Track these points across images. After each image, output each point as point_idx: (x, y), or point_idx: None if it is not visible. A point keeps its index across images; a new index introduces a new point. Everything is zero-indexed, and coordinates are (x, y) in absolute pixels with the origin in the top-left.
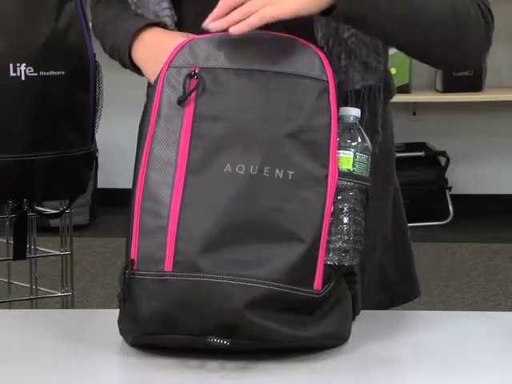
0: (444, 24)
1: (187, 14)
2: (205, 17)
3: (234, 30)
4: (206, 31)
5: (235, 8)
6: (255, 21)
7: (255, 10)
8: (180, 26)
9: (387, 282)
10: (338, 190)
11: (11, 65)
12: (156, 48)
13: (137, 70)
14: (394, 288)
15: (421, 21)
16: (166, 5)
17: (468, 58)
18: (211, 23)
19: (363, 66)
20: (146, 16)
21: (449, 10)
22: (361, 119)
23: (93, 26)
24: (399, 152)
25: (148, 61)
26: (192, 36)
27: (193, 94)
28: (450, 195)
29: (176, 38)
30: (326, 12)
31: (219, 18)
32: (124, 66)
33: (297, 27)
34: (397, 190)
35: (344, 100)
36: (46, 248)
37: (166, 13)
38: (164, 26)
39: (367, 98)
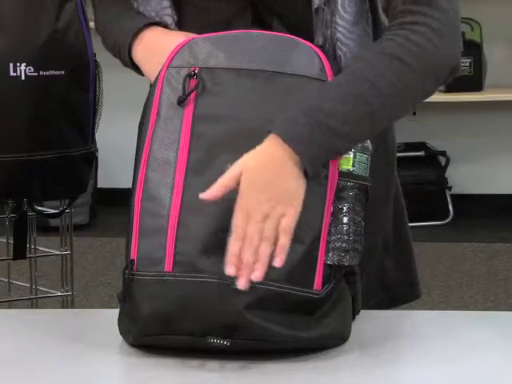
0: (407, 91)
1: (186, 16)
2: (203, 20)
3: (279, 263)
4: (206, 31)
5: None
6: (287, 241)
7: (275, 229)
8: (180, 28)
9: (387, 283)
10: (338, 190)
11: (11, 64)
12: (156, 48)
13: (137, 69)
14: (394, 289)
15: (384, 111)
16: (166, 4)
17: (440, 81)
18: (241, 282)
19: None
20: (146, 14)
21: (405, 70)
22: None
23: (96, 23)
24: (399, 152)
25: (148, 60)
26: (192, 36)
27: (192, 94)
28: (450, 195)
29: (176, 38)
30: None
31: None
32: (125, 65)
33: (297, 27)
34: (398, 192)
35: None
36: (46, 248)
37: (167, 12)
38: (165, 26)
39: None
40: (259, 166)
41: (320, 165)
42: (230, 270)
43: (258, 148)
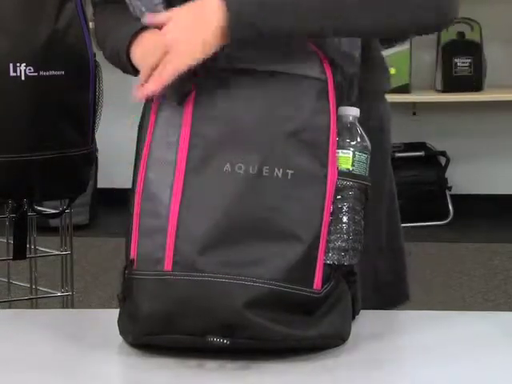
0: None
1: None
2: None
3: (152, 90)
4: None
5: None
6: (154, 85)
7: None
8: None
9: (379, 284)
10: (338, 190)
11: (11, 65)
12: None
13: (137, 73)
14: (386, 291)
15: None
16: (158, 0)
17: (419, 23)
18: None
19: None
20: (135, 11)
21: None
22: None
23: (95, 36)
24: (399, 152)
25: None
26: None
27: (192, 94)
28: (450, 195)
29: None
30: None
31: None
32: (125, 70)
33: None
34: (393, 194)
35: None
36: (46, 248)
37: (159, 8)
38: (162, 28)
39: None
40: (183, 11)
41: (241, 32)
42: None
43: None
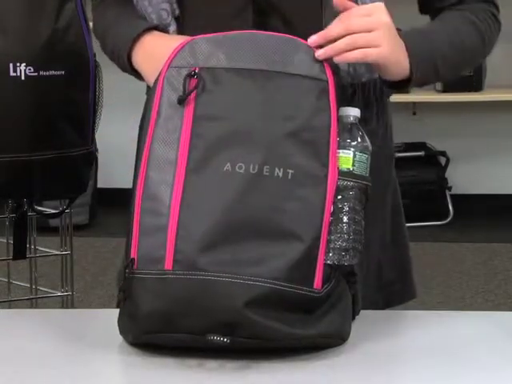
0: (475, 52)
1: (187, 10)
2: (203, 14)
3: (339, 59)
4: (206, 30)
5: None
6: (358, 57)
7: (361, 46)
8: (179, 21)
9: (384, 283)
10: (338, 190)
11: (11, 64)
12: (155, 52)
13: (137, 74)
14: (391, 289)
15: (462, 61)
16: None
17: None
18: (318, 52)
19: None
20: (139, 4)
21: (479, 40)
22: (367, 112)
23: (94, 27)
24: (399, 152)
25: (147, 64)
26: (191, 38)
27: (193, 94)
28: (450, 195)
29: (175, 42)
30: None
31: (325, 40)
32: (124, 70)
33: (296, 25)
34: (396, 192)
35: (351, 93)
36: (46, 248)
37: (163, 6)
38: (163, 30)
39: (373, 90)
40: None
41: (422, 80)
42: (311, 40)
43: None
